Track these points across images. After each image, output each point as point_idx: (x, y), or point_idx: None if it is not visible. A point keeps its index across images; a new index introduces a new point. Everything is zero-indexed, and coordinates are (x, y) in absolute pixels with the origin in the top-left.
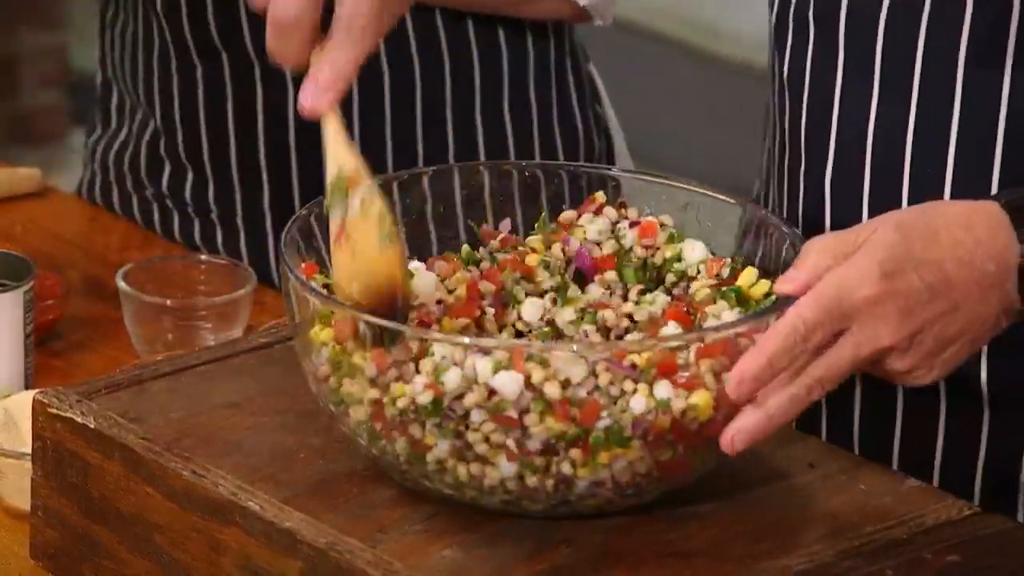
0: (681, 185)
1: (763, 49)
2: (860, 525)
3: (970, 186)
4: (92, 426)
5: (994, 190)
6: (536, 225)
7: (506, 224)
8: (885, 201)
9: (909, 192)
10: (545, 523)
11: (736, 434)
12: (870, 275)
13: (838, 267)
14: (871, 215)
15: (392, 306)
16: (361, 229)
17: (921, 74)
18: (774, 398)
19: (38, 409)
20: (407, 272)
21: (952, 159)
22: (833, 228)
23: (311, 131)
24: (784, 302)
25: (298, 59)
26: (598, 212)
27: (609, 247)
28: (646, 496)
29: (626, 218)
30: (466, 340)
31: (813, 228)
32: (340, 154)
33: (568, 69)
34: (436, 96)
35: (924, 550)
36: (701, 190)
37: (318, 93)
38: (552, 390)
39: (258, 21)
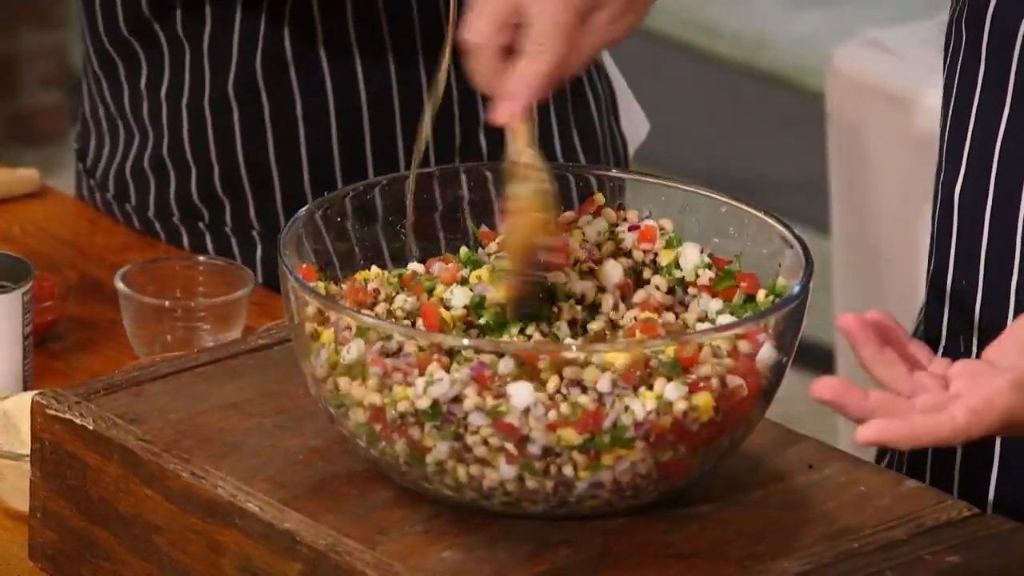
0: (680, 186)
1: (763, 49)
2: (859, 526)
3: None
4: (91, 427)
5: None
6: None
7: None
8: (1006, 221)
9: None
10: (545, 524)
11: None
12: None
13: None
14: (991, 231)
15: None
16: (526, 205)
17: None
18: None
19: (37, 410)
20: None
21: None
22: (959, 238)
23: (288, 140)
24: (785, 302)
25: (490, 81)
26: (597, 214)
27: (608, 248)
28: (646, 497)
29: (625, 220)
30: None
31: (942, 238)
32: (518, 149)
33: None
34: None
35: (923, 551)
36: (700, 191)
37: (505, 104)
38: (566, 408)
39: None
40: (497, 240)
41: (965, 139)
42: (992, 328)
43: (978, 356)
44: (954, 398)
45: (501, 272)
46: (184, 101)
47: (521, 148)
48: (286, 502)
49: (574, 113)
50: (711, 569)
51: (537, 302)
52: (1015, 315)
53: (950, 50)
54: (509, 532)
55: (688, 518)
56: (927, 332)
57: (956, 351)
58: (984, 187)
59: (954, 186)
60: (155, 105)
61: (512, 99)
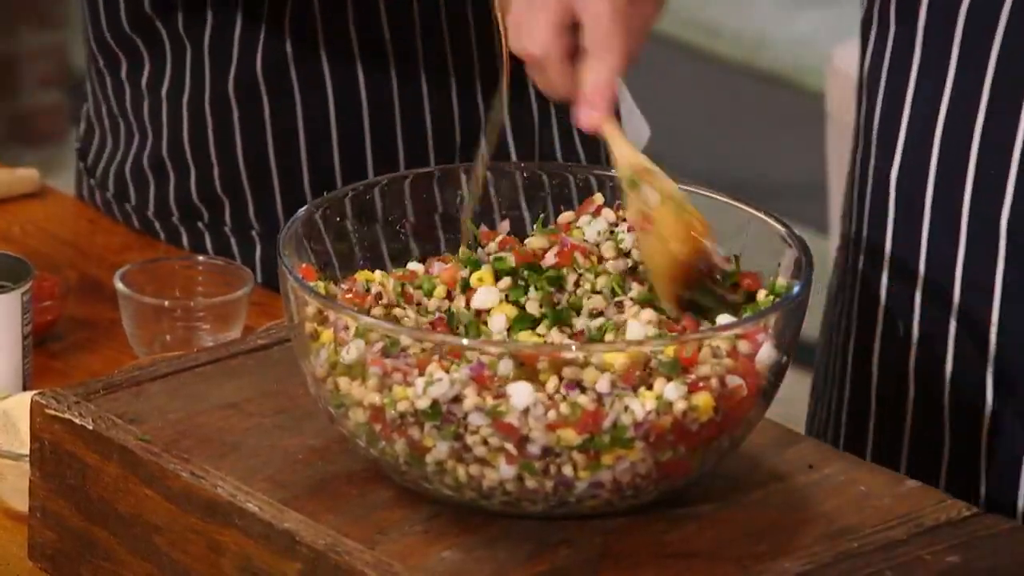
0: (680, 186)
1: (763, 49)
2: (859, 526)
3: None
4: (90, 427)
5: None
6: (535, 226)
7: (504, 226)
8: (947, 202)
9: (972, 193)
10: (545, 524)
11: None
12: None
13: None
14: (933, 215)
15: (699, 269)
16: (662, 213)
17: (995, 72)
18: None
19: (36, 410)
20: (706, 229)
21: (1017, 162)
22: (895, 224)
23: (289, 140)
24: (784, 302)
25: (562, 88)
26: (596, 213)
27: (607, 248)
28: (645, 497)
29: (624, 220)
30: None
31: (876, 224)
32: (626, 153)
33: None
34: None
35: (923, 551)
36: (700, 191)
37: (588, 112)
38: (566, 408)
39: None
40: (636, 248)
41: (900, 125)
42: (938, 300)
43: (922, 321)
44: None
45: (662, 285)
46: (184, 100)
47: (629, 152)
48: (286, 502)
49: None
50: (711, 569)
51: (703, 295)
52: (960, 294)
53: (872, 40)
54: (509, 532)
55: (688, 518)
56: (846, 299)
57: (895, 316)
58: (924, 169)
59: (889, 170)
60: (156, 104)
61: (594, 106)
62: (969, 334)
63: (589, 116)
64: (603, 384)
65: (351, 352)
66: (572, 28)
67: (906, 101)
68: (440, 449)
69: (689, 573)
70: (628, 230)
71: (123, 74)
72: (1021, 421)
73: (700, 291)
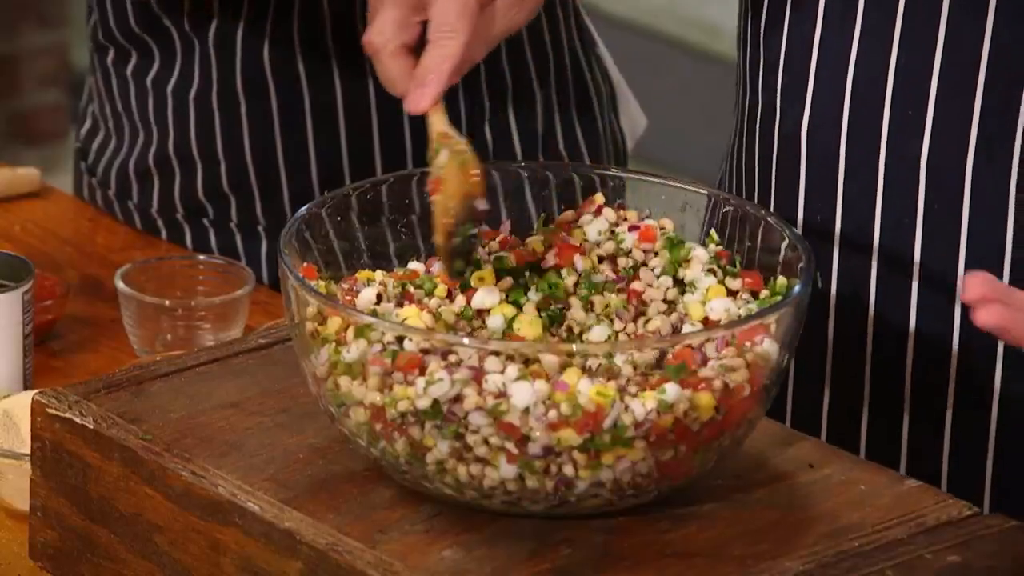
0: (680, 185)
1: None
2: (860, 525)
3: (951, 131)
4: (91, 426)
5: (974, 135)
6: (536, 225)
7: (506, 225)
8: (864, 152)
9: (888, 140)
10: (545, 523)
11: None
12: None
13: None
14: (848, 164)
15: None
16: (448, 171)
17: (904, 17)
18: None
19: (37, 410)
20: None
21: (933, 104)
22: (808, 180)
23: (296, 131)
24: (786, 301)
25: (398, 80)
26: (597, 213)
27: (607, 248)
28: (646, 496)
29: (625, 219)
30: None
31: (788, 184)
32: (436, 127)
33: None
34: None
35: (924, 550)
36: (701, 190)
37: (417, 93)
38: (567, 407)
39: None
40: (432, 202)
41: (808, 73)
42: (856, 259)
43: (840, 277)
44: None
45: (436, 236)
46: (191, 96)
47: (437, 123)
48: (287, 501)
49: (577, 110)
50: (711, 568)
51: (470, 256)
52: (880, 239)
53: (765, 3)
54: (509, 531)
55: (689, 517)
56: None
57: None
58: (836, 120)
59: (800, 127)
60: (161, 101)
61: (425, 87)
62: (891, 275)
63: (418, 97)
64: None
65: (352, 351)
66: (420, 25)
67: (813, 50)
68: (441, 448)
69: (690, 572)
70: (629, 229)
71: (129, 71)
72: (939, 370)
73: (464, 253)
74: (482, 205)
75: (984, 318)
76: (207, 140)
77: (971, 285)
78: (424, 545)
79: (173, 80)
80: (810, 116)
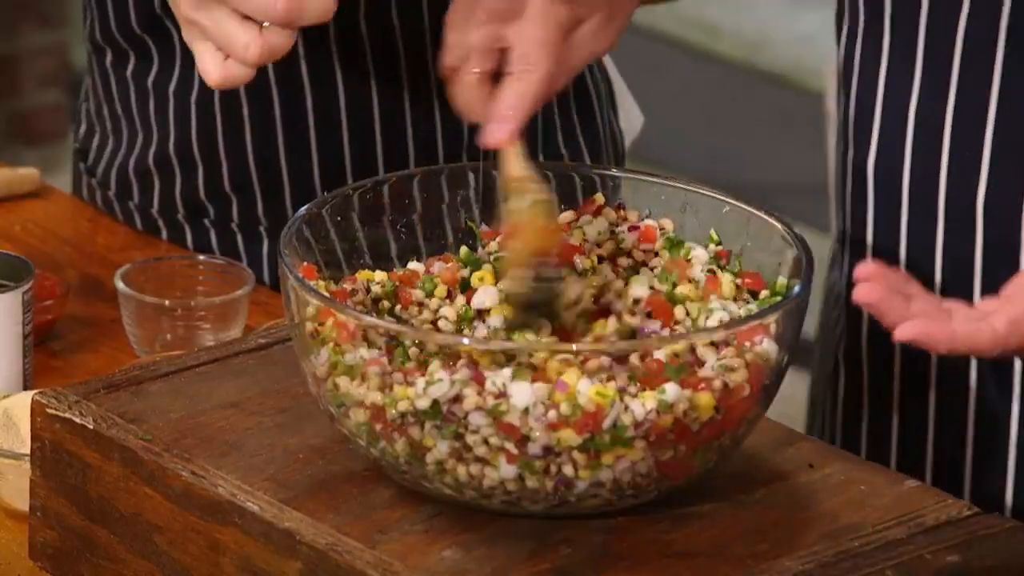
0: (680, 185)
1: (763, 49)
2: (860, 525)
3: (1007, 172)
4: (91, 427)
5: None
6: None
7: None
8: (925, 189)
9: (947, 178)
10: (545, 523)
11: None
12: None
13: None
14: (910, 200)
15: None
16: (527, 219)
17: (960, 60)
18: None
19: (37, 410)
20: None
21: (989, 149)
22: (875, 218)
23: (298, 132)
24: (785, 301)
25: (477, 107)
26: (597, 213)
27: (608, 248)
28: (646, 496)
29: (625, 220)
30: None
31: (857, 209)
32: (510, 167)
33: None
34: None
35: (924, 550)
36: (701, 190)
37: (495, 127)
38: (567, 407)
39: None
40: (500, 252)
41: (874, 114)
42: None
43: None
44: (992, 312)
45: (507, 283)
46: (193, 98)
47: (513, 166)
48: (286, 501)
49: (577, 109)
50: (712, 568)
51: (540, 310)
52: (942, 274)
53: (845, 27)
54: (509, 531)
55: (688, 517)
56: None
57: None
58: (899, 157)
59: (866, 162)
60: (162, 102)
61: (502, 121)
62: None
63: (494, 131)
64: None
65: (352, 355)
66: (500, 51)
67: (878, 90)
68: (440, 449)
69: (690, 572)
70: (629, 230)
71: (129, 72)
72: (1006, 406)
73: (534, 307)
74: (557, 262)
75: (861, 294)
76: (208, 141)
77: (864, 265)
78: (424, 545)
79: (174, 82)
80: (876, 150)
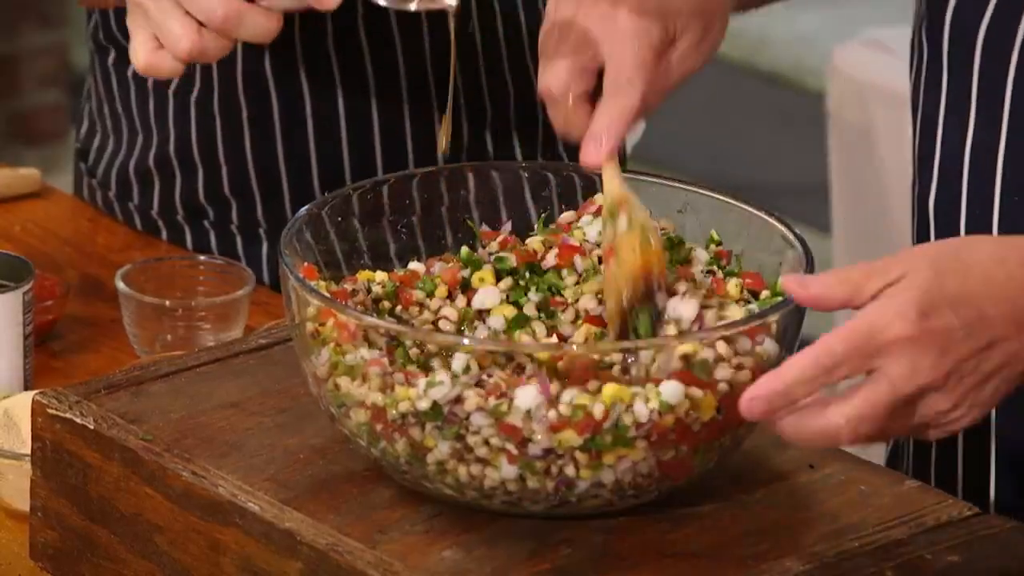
0: (680, 185)
1: (763, 49)
2: (860, 525)
3: None
4: (91, 427)
5: None
6: (536, 226)
7: (507, 226)
8: (979, 228)
9: (1000, 220)
10: (546, 524)
11: (786, 426)
12: (906, 314)
13: (873, 304)
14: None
15: (642, 296)
16: (626, 241)
17: (1012, 99)
18: (811, 425)
19: (37, 410)
20: (661, 262)
21: None
22: None
23: (298, 137)
24: (786, 301)
25: (577, 126)
26: (597, 213)
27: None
28: (646, 496)
29: None
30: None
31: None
32: (613, 187)
33: None
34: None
35: (924, 550)
36: (701, 190)
37: (593, 147)
38: (566, 408)
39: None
40: (603, 275)
41: (935, 148)
42: None
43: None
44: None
45: (609, 303)
46: (192, 99)
47: (616, 186)
48: (287, 501)
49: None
50: (712, 568)
51: (639, 320)
52: None
53: (915, 60)
54: (510, 531)
55: (689, 517)
56: None
57: None
58: (956, 194)
59: (928, 195)
60: (162, 104)
61: (599, 141)
62: None
63: (592, 150)
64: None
65: (352, 355)
66: (595, 72)
67: (939, 124)
68: (441, 449)
69: (691, 572)
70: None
71: (130, 72)
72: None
73: (637, 317)
74: (661, 288)
75: (745, 410)
76: (208, 143)
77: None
78: (424, 545)
79: (174, 83)
80: (937, 186)
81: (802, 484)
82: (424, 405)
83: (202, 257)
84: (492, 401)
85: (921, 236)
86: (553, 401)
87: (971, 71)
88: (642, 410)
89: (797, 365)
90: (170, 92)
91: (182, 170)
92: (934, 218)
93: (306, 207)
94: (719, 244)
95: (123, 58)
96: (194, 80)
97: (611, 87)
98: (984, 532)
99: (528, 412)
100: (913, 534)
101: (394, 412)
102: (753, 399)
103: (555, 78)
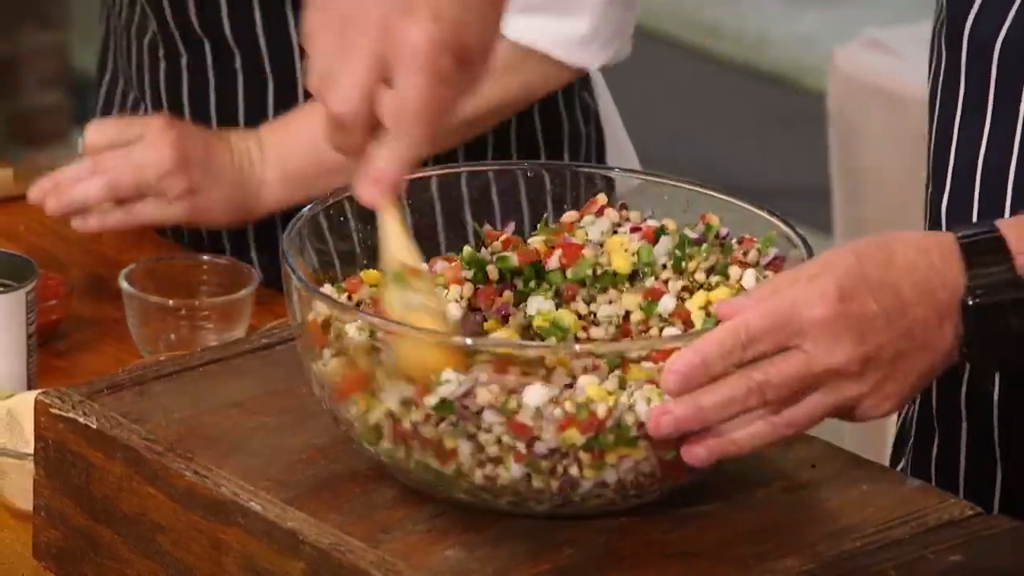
0: (683, 185)
1: (764, 49)
2: (862, 525)
3: None
4: (94, 426)
5: None
6: (538, 226)
7: (510, 226)
8: None
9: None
10: (548, 524)
11: (695, 448)
12: (825, 295)
13: (793, 286)
14: None
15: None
16: (421, 320)
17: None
18: (731, 423)
19: (40, 409)
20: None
21: None
22: None
23: None
24: None
25: (356, 151)
26: (600, 213)
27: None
28: (649, 496)
29: (627, 220)
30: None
31: None
32: (398, 248)
33: None
34: None
35: (926, 550)
36: (703, 190)
37: (372, 188)
38: (570, 406)
39: (239, 11)
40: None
41: (949, 155)
42: None
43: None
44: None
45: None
46: (185, 98)
47: (400, 247)
48: (289, 501)
49: (570, 159)
50: (713, 568)
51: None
52: None
53: (932, 65)
54: (512, 531)
55: (691, 517)
56: None
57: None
58: (969, 203)
59: (941, 201)
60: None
61: (378, 185)
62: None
63: (371, 194)
64: (610, 383)
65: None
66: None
67: (954, 132)
68: (463, 450)
69: (692, 572)
70: (631, 231)
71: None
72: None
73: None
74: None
75: (652, 427)
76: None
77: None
78: (427, 545)
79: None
80: (949, 195)
81: (804, 484)
82: (432, 401)
83: (206, 257)
84: (503, 397)
85: None
86: (559, 400)
87: (988, 80)
88: (643, 410)
89: (715, 339)
90: (162, 79)
91: None
92: (946, 223)
93: (307, 208)
94: (718, 235)
95: (116, 34)
96: (182, 68)
97: (396, 122)
98: (986, 532)
99: (538, 410)
100: (915, 534)
101: (407, 423)
102: (670, 372)
103: (346, 100)
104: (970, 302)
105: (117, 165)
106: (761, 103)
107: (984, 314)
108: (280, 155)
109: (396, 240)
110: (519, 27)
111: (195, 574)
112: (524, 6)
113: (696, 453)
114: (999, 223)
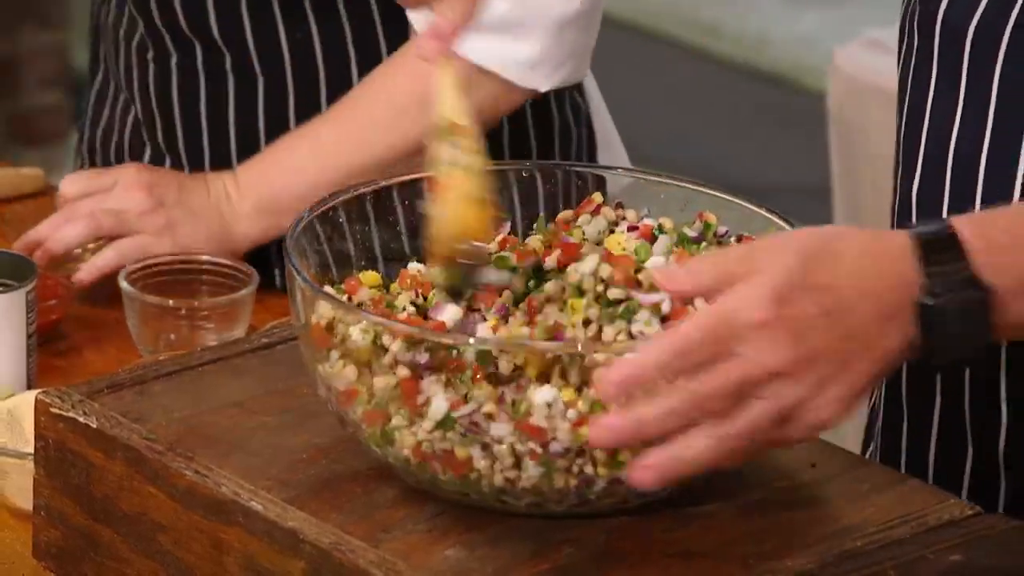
0: (681, 184)
1: (764, 49)
2: (862, 525)
3: None
4: (94, 426)
5: None
6: (535, 225)
7: (505, 226)
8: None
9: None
10: (548, 523)
11: (641, 473)
12: (761, 299)
13: (731, 289)
14: None
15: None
16: (458, 180)
17: (998, 92)
18: (677, 442)
19: (40, 409)
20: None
21: (1020, 182)
22: None
23: (280, 122)
24: None
25: (421, 3)
26: (596, 212)
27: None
28: (659, 494)
29: (624, 219)
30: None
31: None
32: (449, 103)
33: None
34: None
35: (926, 550)
36: (701, 189)
37: (432, 43)
38: (584, 404)
39: (226, 11)
40: (430, 211)
41: (920, 140)
42: None
43: None
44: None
45: (434, 254)
46: (174, 97)
47: (450, 99)
48: (290, 500)
49: (560, 158)
50: (714, 567)
51: (464, 284)
52: None
53: (903, 50)
54: (513, 530)
55: (691, 516)
56: None
57: None
58: (940, 188)
59: (911, 187)
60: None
61: (440, 37)
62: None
63: (431, 47)
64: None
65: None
66: None
67: (925, 118)
68: (477, 459)
69: (692, 572)
70: (628, 229)
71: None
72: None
73: (453, 273)
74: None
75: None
76: (193, 137)
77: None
78: (427, 544)
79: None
80: (920, 180)
81: (804, 484)
82: (430, 423)
83: (205, 257)
84: (510, 398)
85: (901, 226)
86: (572, 402)
87: (961, 64)
88: None
89: (653, 350)
90: (151, 79)
91: (168, 150)
92: (916, 208)
93: (308, 208)
94: (716, 233)
95: (105, 34)
96: (171, 68)
97: None
98: (985, 532)
99: (548, 410)
100: (915, 533)
101: (428, 444)
102: (608, 383)
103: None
104: (929, 302)
105: (93, 211)
106: (761, 103)
107: (943, 314)
108: (257, 187)
109: (448, 96)
110: (473, 47)
111: (196, 574)
112: (478, 26)
113: (643, 478)
114: (953, 220)
